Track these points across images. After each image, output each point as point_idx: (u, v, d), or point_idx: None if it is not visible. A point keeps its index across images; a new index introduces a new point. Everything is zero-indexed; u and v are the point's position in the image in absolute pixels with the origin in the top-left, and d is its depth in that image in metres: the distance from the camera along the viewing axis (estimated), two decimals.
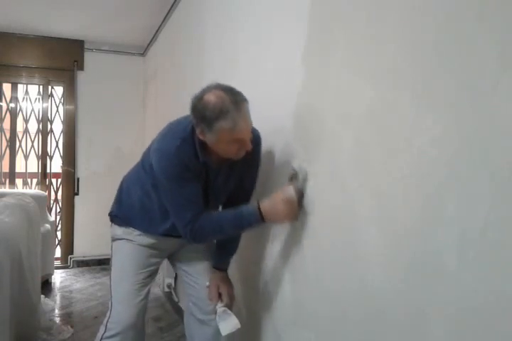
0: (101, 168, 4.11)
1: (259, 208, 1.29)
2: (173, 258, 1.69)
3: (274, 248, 1.54)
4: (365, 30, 1.07)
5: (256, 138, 1.41)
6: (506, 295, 0.70)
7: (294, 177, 1.33)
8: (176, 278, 2.86)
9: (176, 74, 3.06)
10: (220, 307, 1.50)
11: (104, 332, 1.50)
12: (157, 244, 1.57)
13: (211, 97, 1.23)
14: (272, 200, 1.29)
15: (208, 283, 1.56)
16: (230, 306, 1.54)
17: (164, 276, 2.96)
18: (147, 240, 1.55)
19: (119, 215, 1.60)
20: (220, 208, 1.60)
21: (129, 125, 4.23)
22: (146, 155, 1.48)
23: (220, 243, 1.59)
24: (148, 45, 3.98)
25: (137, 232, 1.55)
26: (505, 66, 0.71)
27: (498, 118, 0.72)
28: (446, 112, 0.83)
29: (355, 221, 1.09)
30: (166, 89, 3.35)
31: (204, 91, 1.26)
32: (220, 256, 1.61)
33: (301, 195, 1.30)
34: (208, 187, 1.43)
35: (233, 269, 1.90)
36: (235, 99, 1.23)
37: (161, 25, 3.44)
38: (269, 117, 1.58)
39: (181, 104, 2.85)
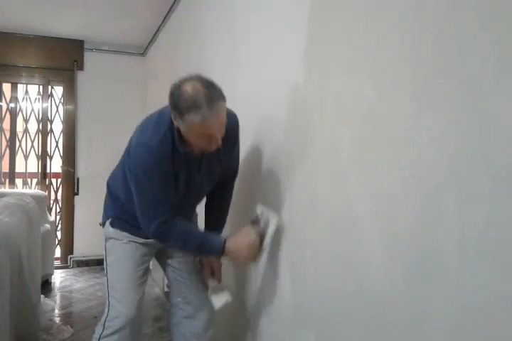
0: (101, 168, 4.09)
1: (224, 245, 1.38)
2: (162, 254, 1.69)
3: (273, 247, 1.54)
4: (365, 30, 1.07)
5: (232, 123, 1.42)
6: (506, 295, 0.70)
7: (256, 221, 1.45)
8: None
9: (176, 74, 3.05)
10: (212, 283, 1.57)
11: (102, 330, 1.51)
12: (148, 242, 1.57)
13: (188, 88, 1.23)
14: (238, 243, 1.38)
15: (198, 259, 1.64)
16: (219, 282, 1.60)
17: (164, 276, 2.95)
18: (138, 239, 1.56)
19: (115, 217, 1.59)
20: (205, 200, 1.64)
21: (129, 125, 4.21)
22: (127, 155, 1.45)
23: (209, 221, 1.64)
24: (148, 45, 3.98)
25: (127, 234, 1.56)
26: (505, 66, 0.71)
27: (498, 118, 0.72)
28: (446, 112, 0.83)
29: (355, 221, 1.09)
30: (166, 89, 3.34)
31: (184, 80, 1.27)
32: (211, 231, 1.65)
33: (261, 238, 1.40)
34: (192, 179, 1.43)
35: (233, 269, 1.90)
36: (210, 96, 1.22)
37: (161, 25, 3.44)
38: (268, 117, 1.58)
39: None
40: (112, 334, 1.50)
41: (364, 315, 1.05)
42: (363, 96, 1.07)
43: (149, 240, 1.55)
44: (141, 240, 1.56)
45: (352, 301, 1.10)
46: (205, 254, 1.51)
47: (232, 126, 1.40)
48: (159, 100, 3.62)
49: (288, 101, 1.43)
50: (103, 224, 1.63)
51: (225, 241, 1.38)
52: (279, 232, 1.42)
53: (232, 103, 1.91)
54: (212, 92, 1.24)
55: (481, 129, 0.75)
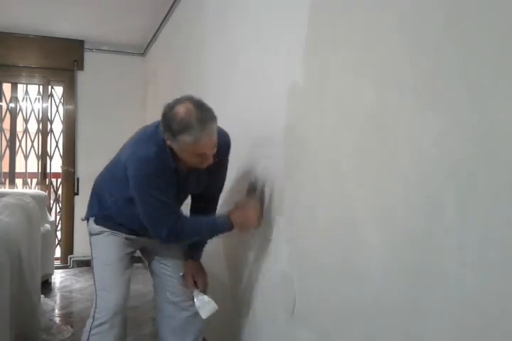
0: (101, 168, 4.08)
1: (229, 219, 1.46)
2: (148, 251, 1.74)
3: (274, 247, 1.54)
4: (365, 30, 1.07)
5: (224, 142, 1.51)
6: (507, 295, 0.70)
7: (252, 188, 1.53)
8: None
9: (176, 74, 3.06)
10: (196, 294, 1.60)
11: (93, 322, 1.55)
12: (131, 238, 1.64)
13: (181, 109, 1.28)
14: (239, 211, 1.48)
15: (181, 273, 1.68)
16: (204, 292, 1.64)
17: None
18: (121, 234, 1.62)
19: (100, 216, 1.64)
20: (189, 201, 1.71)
21: (129, 125, 4.21)
22: (118, 162, 1.52)
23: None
24: (148, 45, 3.98)
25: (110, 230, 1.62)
26: (505, 66, 0.71)
27: (498, 118, 0.72)
28: (447, 112, 0.83)
29: (355, 221, 1.09)
30: (166, 89, 3.35)
31: (177, 101, 1.32)
32: (193, 248, 1.71)
33: (261, 204, 1.51)
34: (179, 189, 1.50)
35: (233, 269, 1.90)
36: (202, 117, 1.29)
37: (161, 25, 3.44)
38: (268, 116, 1.58)
39: None
40: (102, 324, 1.54)
41: (364, 315, 1.05)
42: (363, 96, 1.07)
43: (132, 236, 1.61)
44: (124, 235, 1.61)
45: (352, 301, 1.10)
46: (218, 234, 1.57)
47: (222, 145, 1.47)
48: (159, 100, 3.62)
49: (288, 101, 1.43)
50: (86, 220, 1.68)
51: (229, 216, 1.47)
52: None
53: (232, 103, 1.92)
54: (204, 113, 1.30)
55: (481, 129, 0.75)
